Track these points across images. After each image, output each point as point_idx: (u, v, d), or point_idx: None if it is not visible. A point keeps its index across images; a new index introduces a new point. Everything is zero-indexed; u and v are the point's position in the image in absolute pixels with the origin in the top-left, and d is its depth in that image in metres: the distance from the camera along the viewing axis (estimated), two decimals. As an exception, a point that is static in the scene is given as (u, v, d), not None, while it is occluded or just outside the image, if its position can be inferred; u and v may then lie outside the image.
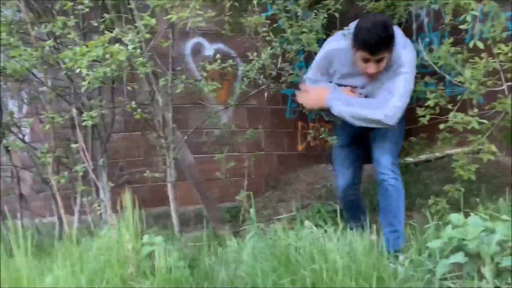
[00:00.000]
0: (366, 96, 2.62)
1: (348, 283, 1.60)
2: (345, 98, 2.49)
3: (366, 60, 2.40)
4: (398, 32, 2.50)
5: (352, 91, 2.60)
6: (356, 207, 2.99)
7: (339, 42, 2.62)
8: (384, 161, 2.56)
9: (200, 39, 4.09)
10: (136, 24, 2.48)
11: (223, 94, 4.07)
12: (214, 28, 3.18)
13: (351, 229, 3.01)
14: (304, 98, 2.60)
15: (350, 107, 2.45)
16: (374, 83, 2.56)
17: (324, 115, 2.79)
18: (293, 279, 1.73)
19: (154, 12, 2.55)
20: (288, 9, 2.84)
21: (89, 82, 2.35)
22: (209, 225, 3.27)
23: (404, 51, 2.47)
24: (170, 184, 3.01)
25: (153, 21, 2.42)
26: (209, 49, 4.13)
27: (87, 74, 2.26)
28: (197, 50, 4.14)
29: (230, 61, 2.86)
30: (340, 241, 1.81)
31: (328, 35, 2.83)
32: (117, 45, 2.25)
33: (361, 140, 2.84)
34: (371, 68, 2.41)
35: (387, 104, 2.40)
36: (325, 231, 1.91)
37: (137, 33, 2.43)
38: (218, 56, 2.87)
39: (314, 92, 2.56)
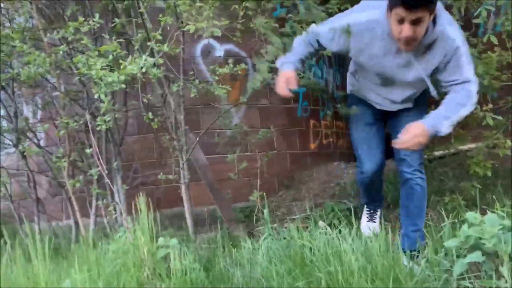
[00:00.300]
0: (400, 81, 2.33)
1: (364, 284, 1.59)
2: (438, 115, 2.21)
3: (401, 21, 2.10)
4: (442, 8, 2.22)
5: (288, 76, 2.30)
6: (378, 192, 2.85)
7: (370, 12, 2.24)
8: (412, 161, 2.43)
9: (210, 40, 4.10)
10: (149, 44, 2.49)
11: (234, 95, 4.08)
12: (225, 30, 3.18)
13: (370, 213, 2.87)
14: (409, 144, 2.21)
15: (449, 119, 2.20)
16: (422, 62, 2.25)
17: (338, 110, 2.72)
18: (308, 281, 1.73)
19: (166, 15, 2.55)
20: (298, 12, 2.82)
21: (107, 102, 2.38)
22: (223, 225, 3.28)
23: (451, 27, 2.21)
24: (183, 185, 3.02)
25: (165, 47, 2.43)
26: (220, 50, 4.14)
27: (105, 96, 2.28)
28: (207, 51, 4.15)
29: (242, 65, 2.85)
30: (355, 242, 1.79)
31: None
32: (129, 67, 2.27)
33: (384, 120, 2.62)
34: (407, 30, 2.09)
35: (471, 93, 2.21)
36: (340, 231, 1.90)
37: (151, 55, 2.45)
38: (229, 58, 2.88)
39: (414, 135, 2.18)
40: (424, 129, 2.17)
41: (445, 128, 2.19)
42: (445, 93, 2.28)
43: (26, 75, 2.74)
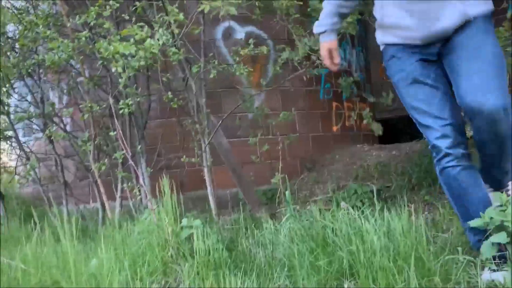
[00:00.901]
0: None
1: (386, 263, 1.58)
2: None
3: None
4: None
5: (328, 48, 1.94)
6: (475, 186, 1.74)
7: None
8: (491, 101, 1.60)
9: (231, 23, 4.08)
10: (165, 17, 2.49)
11: (256, 77, 4.06)
12: (245, 11, 3.16)
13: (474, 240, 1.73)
14: None
15: None
16: None
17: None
18: (330, 260, 1.73)
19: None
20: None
21: (125, 78, 2.40)
22: (246, 207, 3.30)
23: None
24: (206, 168, 3.05)
25: (181, 16, 2.42)
26: (241, 32, 4.12)
27: (123, 71, 2.30)
28: (228, 34, 4.14)
29: (264, 47, 2.83)
30: (378, 222, 1.78)
31: (361, 14, 2.74)
32: (148, 40, 2.28)
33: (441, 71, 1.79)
34: None
35: None
36: (362, 212, 1.89)
37: (166, 28, 2.45)
38: (250, 39, 2.87)
39: None
40: None
41: None
42: None
43: (50, 61, 2.79)
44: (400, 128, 5.53)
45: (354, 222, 1.83)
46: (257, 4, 2.79)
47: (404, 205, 1.90)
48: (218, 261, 1.97)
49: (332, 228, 1.87)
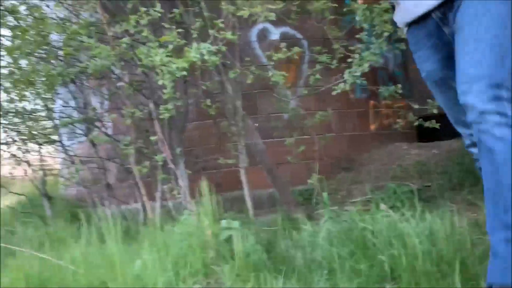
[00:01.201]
0: None
1: (429, 268, 1.56)
2: None
3: None
4: None
5: None
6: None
7: None
8: (474, 86, 1.28)
9: (266, 24, 4.09)
10: (210, 32, 2.55)
11: (291, 77, 4.06)
12: (279, 12, 3.17)
13: None
14: None
15: None
16: None
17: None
18: (371, 264, 1.72)
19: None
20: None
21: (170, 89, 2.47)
22: (283, 208, 3.31)
23: None
24: (242, 169, 3.08)
25: (229, 34, 2.46)
26: (275, 33, 4.13)
27: (169, 82, 2.36)
28: (263, 35, 4.16)
29: (296, 48, 2.84)
30: (419, 225, 1.75)
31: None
32: (193, 55, 2.34)
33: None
34: None
35: None
36: (402, 214, 1.86)
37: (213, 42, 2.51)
38: (283, 42, 2.88)
39: None
40: None
41: None
42: None
43: (93, 68, 2.89)
44: (440, 125, 5.38)
45: (394, 225, 1.81)
46: (294, 9, 2.80)
47: (446, 206, 1.87)
48: (258, 263, 1.99)
49: (372, 231, 1.86)
